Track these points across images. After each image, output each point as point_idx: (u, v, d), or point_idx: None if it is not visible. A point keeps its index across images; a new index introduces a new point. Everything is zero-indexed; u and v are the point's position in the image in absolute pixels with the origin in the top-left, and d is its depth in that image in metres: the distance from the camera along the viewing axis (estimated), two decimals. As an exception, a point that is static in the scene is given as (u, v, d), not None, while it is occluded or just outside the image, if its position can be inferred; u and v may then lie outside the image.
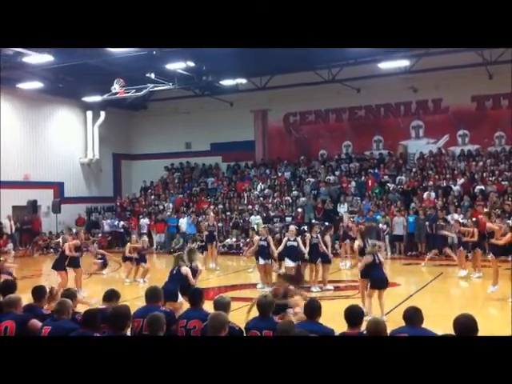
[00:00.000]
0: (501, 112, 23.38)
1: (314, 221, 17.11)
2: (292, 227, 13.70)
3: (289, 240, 12.95)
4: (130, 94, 23.06)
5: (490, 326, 8.50)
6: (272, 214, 22.80)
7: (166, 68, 21.20)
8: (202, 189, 27.11)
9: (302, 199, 23.27)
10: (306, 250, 12.75)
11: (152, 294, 6.20)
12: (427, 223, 19.42)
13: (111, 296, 6.14)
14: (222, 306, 5.64)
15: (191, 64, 20.86)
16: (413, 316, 5.00)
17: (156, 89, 23.45)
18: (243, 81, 24.41)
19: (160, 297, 6.28)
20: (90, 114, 28.06)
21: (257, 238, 13.56)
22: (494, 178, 21.22)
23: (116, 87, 22.05)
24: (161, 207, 25.82)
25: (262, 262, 13.02)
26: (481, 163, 22.53)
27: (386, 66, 21.41)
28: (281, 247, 13.06)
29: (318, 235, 12.91)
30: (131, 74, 22.18)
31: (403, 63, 21.58)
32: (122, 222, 25.21)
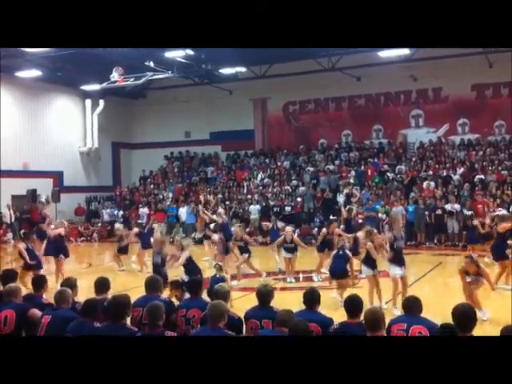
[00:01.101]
0: (501, 101, 23.31)
1: (331, 217, 17.24)
2: (288, 228, 13.52)
3: (285, 242, 12.91)
4: (128, 83, 22.97)
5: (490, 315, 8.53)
6: (272, 203, 22.78)
7: (165, 56, 21.09)
8: (201, 178, 27.07)
9: (302, 188, 23.25)
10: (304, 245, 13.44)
11: (152, 284, 6.25)
12: (427, 213, 19.45)
13: (102, 286, 6.14)
14: (222, 295, 5.68)
15: (190, 52, 20.76)
16: (412, 305, 5.04)
17: (155, 77, 23.33)
18: (243, 69, 24.30)
19: (159, 286, 6.32)
20: (88, 102, 27.97)
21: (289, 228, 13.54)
22: (493, 168, 21.20)
23: (115, 75, 21.98)
24: (160, 196, 25.81)
25: (286, 255, 13.00)
26: (481, 152, 22.50)
27: (385, 54, 21.30)
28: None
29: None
30: (130, 63, 22.07)
31: (403, 52, 21.46)
32: (121, 212, 25.20)
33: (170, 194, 25.77)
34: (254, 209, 22.39)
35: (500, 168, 21.09)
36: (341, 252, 10.43)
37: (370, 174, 23.25)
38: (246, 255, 12.87)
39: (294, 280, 12.84)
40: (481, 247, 14.92)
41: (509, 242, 13.27)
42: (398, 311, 7.13)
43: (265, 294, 5.62)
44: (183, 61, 22.22)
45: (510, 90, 23.15)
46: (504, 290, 10.42)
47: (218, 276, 9.44)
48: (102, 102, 28.05)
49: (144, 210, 24.22)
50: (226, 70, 23.87)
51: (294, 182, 24.03)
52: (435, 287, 11.90)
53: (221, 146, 28.75)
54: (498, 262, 11.66)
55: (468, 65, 22.13)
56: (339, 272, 10.25)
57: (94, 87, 24.94)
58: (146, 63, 21.82)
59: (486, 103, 23.57)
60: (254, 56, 22.58)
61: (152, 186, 27.62)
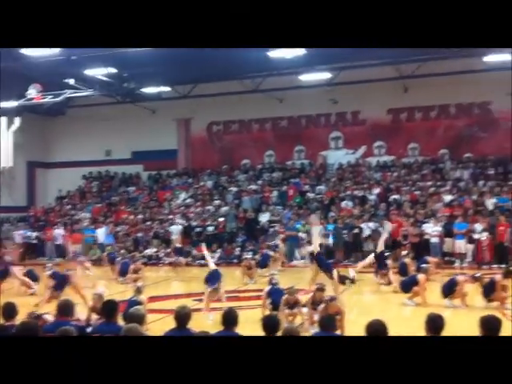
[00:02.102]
0: (415, 124, 24.52)
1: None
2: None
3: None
4: (46, 100, 22.18)
5: (406, 329, 8.80)
6: (194, 223, 22.61)
7: (86, 74, 20.60)
8: (121, 198, 26.49)
9: (224, 208, 23.26)
10: None
11: (63, 308, 5.99)
12: (345, 232, 19.99)
13: (8, 312, 5.81)
14: (137, 318, 5.52)
15: (112, 70, 20.42)
16: (326, 323, 5.12)
17: (75, 95, 22.71)
18: (166, 88, 24.16)
19: (72, 310, 6.08)
20: (4, 120, 26.73)
21: None
22: (407, 188, 22.15)
23: (32, 92, 21.17)
24: (77, 217, 24.98)
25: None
26: (395, 173, 23.47)
27: (307, 78, 21.90)
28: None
29: None
30: (50, 79, 21.35)
31: (324, 75, 22.15)
32: (35, 233, 24.16)
33: (88, 215, 24.99)
34: (176, 229, 22.10)
35: (413, 188, 22.07)
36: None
37: (291, 194, 23.63)
38: None
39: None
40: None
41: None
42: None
43: (182, 316, 5.52)
44: (105, 79, 21.78)
45: (424, 114, 24.40)
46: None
47: (134, 299, 9.18)
48: (18, 120, 26.88)
49: (59, 231, 23.32)
50: (150, 89, 23.63)
51: (217, 202, 23.99)
52: (350, 303, 12.03)
53: (143, 165, 28.30)
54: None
55: (384, 89, 23.17)
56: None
57: (9, 104, 23.85)
58: (66, 80, 21.20)
59: (401, 126, 24.69)
60: (178, 75, 22.57)
61: (69, 206, 26.69)
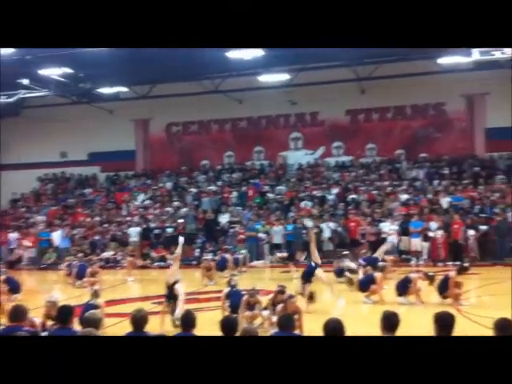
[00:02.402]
0: (372, 125, 24.92)
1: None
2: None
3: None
4: None
5: (359, 327, 8.91)
6: (153, 225, 22.35)
7: (41, 74, 20.10)
8: (78, 200, 25.97)
9: (184, 210, 23.08)
10: None
11: (15, 313, 5.84)
12: (304, 231, 20.11)
13: None
14: (93, 322, 5.42)
15: (68, 70, 19.99)
16: (284, 322, 5.13)
17: (29, 95, 22.15)
18: (124, 89, 23.82)
19: (24, 316, 5.93)
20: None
21: None
22: (365, 188, 22.48)
23: (-18, 93, 20.56)
24: (32, 220, 24.35)
25: None
26: (354, 173, 23.79)
27: (266, 79, 21.95)
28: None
29: None
30: (3, 80, 20.68)
31: (283, 77, 22.26)
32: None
33: (43, 218, 24.39)
34: (134, 231, 21.80)
35: (371, 188, 22.42)
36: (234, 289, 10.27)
37: (251, 194, 23.65)
38: None
39: None
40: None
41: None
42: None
43: (138, 320, 5.46)
44: (60, 79, 21.30)
45: (381, 115, 24.83)
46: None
47: (91, 303, 9.00)
48: (-33, 121, 26.05)
49: (13, 235, 22.66)
50: (107, 90, 23.25)
51: (176, 203, 23.79)
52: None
53: (100, 166, 27.85)
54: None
55: (342, 91, 23.44)
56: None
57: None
58: (19, 80, 20.64)
59: (359, 127, 25.05)
60: (135, 76, 22.27)
61: (23, 209, 26.00)
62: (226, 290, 10.18)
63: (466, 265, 12.86)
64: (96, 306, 8.66)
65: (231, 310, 9.56)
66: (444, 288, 11.32)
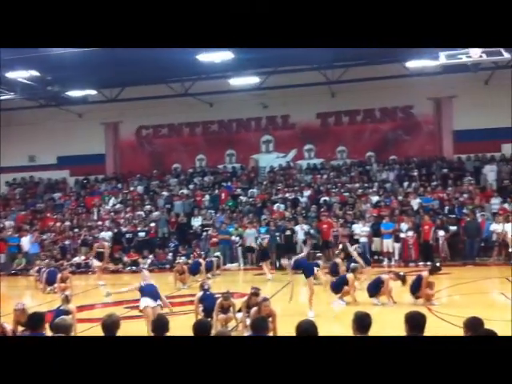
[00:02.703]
0: (342, 128, 25.15)
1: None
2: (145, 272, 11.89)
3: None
4: (-37, 104, 21.11)
5: (331, 328, 8.98)
6: (124, 229, 22.11)
7: (7, 77, 19.71)
8: (47, 205, 25.54)
9: (156, 213, 22.91)
10: None
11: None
12: (277, 234, 20.15)
13: None
14: (63, 328, 5.34)
15: (35, 73, 19.65)
16: (258, 325, 5.12)
17: (-5, 98, 21.71)
18: (93, 92, 23.53)
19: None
20: None
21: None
22: (336, 190, 22.66)
23: None
24: (0, 225, 23.85)
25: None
26: (325, 176, 23.95)
27: (237, 82, 21.94)
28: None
29: None
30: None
31: (253, 80, 22.28)
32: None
33: (12, 223, 23.91)
34: (105, 235, 21.52)
35: (342, 190, 22.61)
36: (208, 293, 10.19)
37: (223, 197, 23.61)
38: None
39: None
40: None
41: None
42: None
43: (110, 325, 5.37)
44: (27, 82, 20.92)
45: (350, 118, 25.06)
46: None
47: (62, 308, 8.85)
48: None
49: (-19, 241, 22.19)
50: (75, 93, 22.93)
51: (148, 207, 23.60)
52: (285, 304, 12.13)
53: (69, 170, 27.48)
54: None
55: (313, 94, 23.56)
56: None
57: None
58: (-16, 83, 20.23)
59: (329, 130, 25.24)
60: (104, 78, 22.01)
61: (-9, 214, 25.45)
62: (200, 293, 10.11)
63: (438, 265, 13.04)
64: (67, 312, 8.52)
65: (205, 314, 9.50)
66: (417, 288, 11.48)
